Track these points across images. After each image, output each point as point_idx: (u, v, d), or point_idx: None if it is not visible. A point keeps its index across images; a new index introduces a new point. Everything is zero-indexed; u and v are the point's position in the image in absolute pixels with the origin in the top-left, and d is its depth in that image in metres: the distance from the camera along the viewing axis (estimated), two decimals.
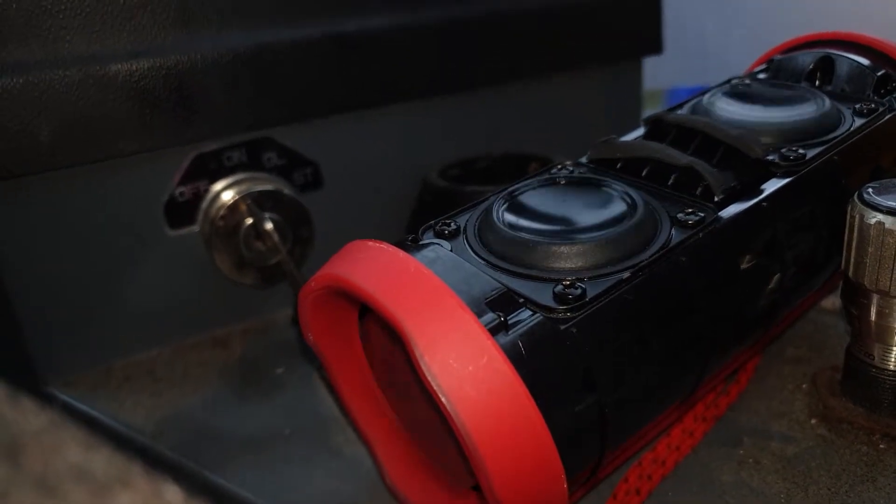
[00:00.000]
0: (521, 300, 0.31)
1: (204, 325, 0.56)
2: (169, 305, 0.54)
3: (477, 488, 0.35)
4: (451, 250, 0.34)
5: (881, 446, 0.39)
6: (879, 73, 0.47)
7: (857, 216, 0.37)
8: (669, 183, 0.39)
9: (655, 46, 0.70)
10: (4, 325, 0.49)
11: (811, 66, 0.50)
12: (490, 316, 0.30)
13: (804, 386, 0.44)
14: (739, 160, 0.40)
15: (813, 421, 0.41)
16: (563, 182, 0.40)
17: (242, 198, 0.52)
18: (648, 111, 0.46)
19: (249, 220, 0.52)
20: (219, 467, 0.43)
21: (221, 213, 0.52)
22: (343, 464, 0.42)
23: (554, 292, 0.31)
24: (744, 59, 0.57)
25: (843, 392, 0.42)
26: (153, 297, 0.53)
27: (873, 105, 0.45)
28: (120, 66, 0.46)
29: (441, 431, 0.34)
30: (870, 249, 0.37)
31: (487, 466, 0.28)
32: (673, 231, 0.35)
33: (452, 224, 0.37)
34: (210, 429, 0.46)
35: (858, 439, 0.39)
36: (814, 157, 0.40)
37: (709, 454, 0.40)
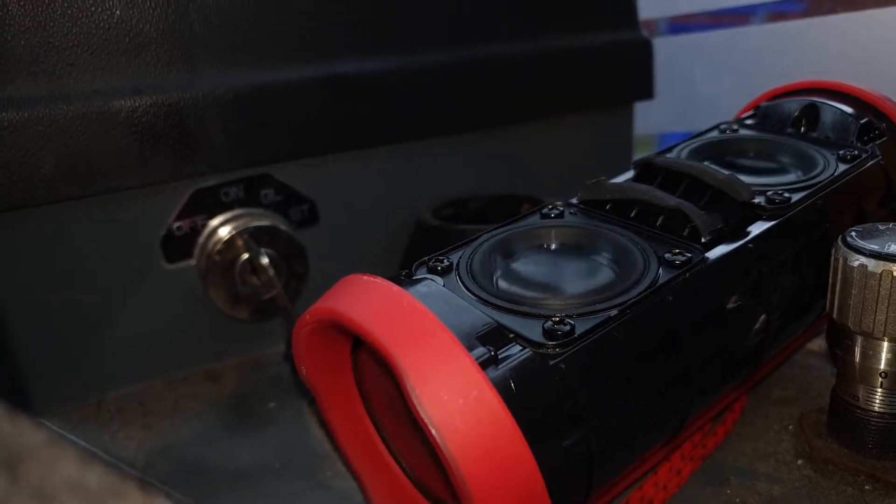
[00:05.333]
0: (512, 335, 0.32)
1: (196, 359, 0.56)
2: (162, 338, 0.54)
3: None
4: (443, 286, 0.35)
5: (866, 487, 0.39)
6: (862, 121, 0.48)
7: (841, 259, 0.38)
8: (657, 224, 0.40)
9: (647, 92, 0.71)
10: None
11: (797, 113, 0.51)
12: (481, 350, 0.30)
13: (790, 427, 0.44)
14: (726, 203, 0.41)
15: (799, 462, 0.42)
16: (553, 221, 0.41)
17: (239, 233, 0.53)
18: (640, 155, 0.47)
19: (245, 255, 0.53)
20: (209, 500, 0.42)
21: (218, 247, 0.52)
22: (333, 498, 0.42)
23: (543, 328, 0.32)
24: (732, 105, 0.58)
25: (829, 433, 0.42)
26: (147, 330, 0.53)
27: (856, 152, 0.46)
28: (123, 102, 0.47)
29: (431, 463, 0.34)
30: (853, 292, 0.37)
31: (476, 499, 0.28)
32: (660, 271, 0.36)
33: (445, 260, 0.38)
34: (201, 462, 0.46)
35: (844, 480, 0.40)
36: (799, 201, 0.42)
37: (696, 493, 0.40)
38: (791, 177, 0.45)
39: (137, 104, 0.48)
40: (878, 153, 0.47)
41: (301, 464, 0.45)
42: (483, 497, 0.28)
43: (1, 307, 0.48)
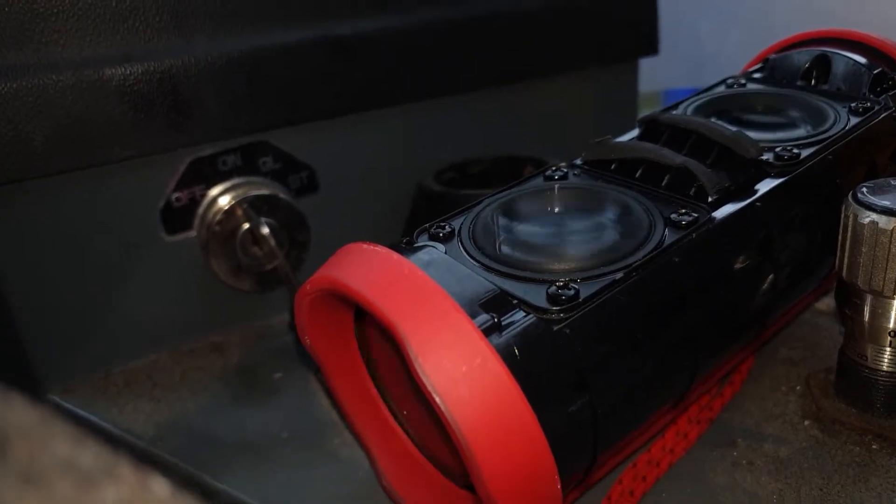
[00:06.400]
0: (515, 301, 0.31)
1: (201, 331, 0.56)
2: (166, 311, 0.54)
3: (472, 488, 0.35)
4: (445, 253, 0.35)
5: (873, 447, 0.39)
6: (875, 72, 0.47)
7: (851, 216, 0.37)
8: (663, 183, 0.39)
9: (651, 48, 0.70)
10: (3, 332, 0.49)
11: (807, 65, 0.50)
12: (484, 317, 0.30)
13: (798, 387, 0.44)
14: (734, 160, 0.40)
15: (806, 422, 0.41)
16: (556, 183, 0.40)
17: (239, 203, 0.52)
18: (645, 113, 0.46)
19: (246, 225, 0.52)
20: (217, 471, 0.43)
21: (218, 218, 0.52)
22: (340, 467, 0.42)
23: (547, 293, 0.31)
24: (739, 59, 0.57)
25: (837, 393, 0.42)
26: (150, 303, 0.53)
27: (869, 104, 0.45)
28: (113, 70, 0.46)
29: (436, 432, 0.34)
30: (863, 249, 0.37)
31: (482, 467, 0.28)
32: (666, 232, 0.35)
33: (447, 227, 0.37)
34: (209, 433, 0.46)
35: (851, 440, 0.40)
36: (808, 157, 0.41)
37: (703, 455, 0.40)
38: (801, 131, 0.44)
39: (128, 72, 0.47)
40: (891, 105, 0.45)
41: (308, 433, 0.45)
42: (489, 464, 0.28)
43: (3, 283, 0.48)
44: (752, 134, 0.42)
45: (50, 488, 0.15)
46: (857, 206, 0.37)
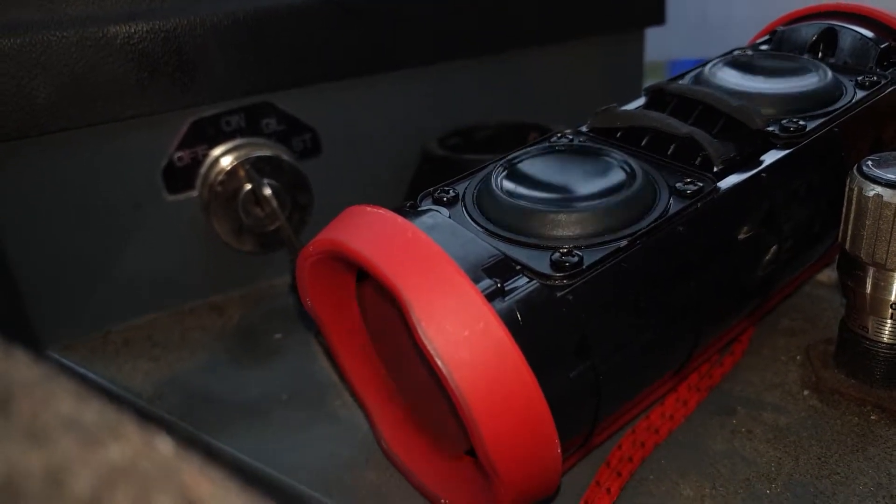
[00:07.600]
0: (519, 267, 0.31)
1: (202, 291, 0.56)
2: (167, 271, 0.54)
3: (472, 452, 0.36)
4: (449, 217, 0.35)
5: (872, 417, 0.39)
6: (883, 46, 0.47)
7: (856, 188, 0.37)
8: (669, 153, 0.39)
9: (658, 17, 0.69)
10: (3, 290, 0.49)
11: (814, 38, 0.49)
12: (487, 282, 0.30)
13: (798, 358, 0.44)
14: (739, 131, 0.40)
15: (805, 392, 0.42)
16: (562, 150, 0.40)
17: (241, 163, 0.52)
18: (650, 82, 0.46)
19: (248, 186, 0.52)
20: (217, 431, 0.43)
21: (220, 178, 0.52)
22: (340, 428, 0.43)
23: (551, 260, 0.31)
24: (747, 30, 0.56)
25: (837, 364, 0.42)
26: (151, 262, 0.53)
27: (875, 78, 0.45)
28: (118, 27, 0.46)
29: (437, 396, 0.34)
30: (867, 222, 0.37)
31: (482, 431, 0.28)
32: (671, 200, 0.35)
33: (451, 191, 0.37)
34: (208, 393, 0.47)
35: (850, 410, 0.40)
36: (814, 129, 0.40)
37: (702, 423, 0.40)
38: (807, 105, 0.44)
39: (133, 30, 0.46)
40: None
41: (308, 394, 0.46)
42: (490, 428, 0.28)
43: (4, 241, 0.47)
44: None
45: (54, 446, 0.15)
46: (861, 178, 0.37)
